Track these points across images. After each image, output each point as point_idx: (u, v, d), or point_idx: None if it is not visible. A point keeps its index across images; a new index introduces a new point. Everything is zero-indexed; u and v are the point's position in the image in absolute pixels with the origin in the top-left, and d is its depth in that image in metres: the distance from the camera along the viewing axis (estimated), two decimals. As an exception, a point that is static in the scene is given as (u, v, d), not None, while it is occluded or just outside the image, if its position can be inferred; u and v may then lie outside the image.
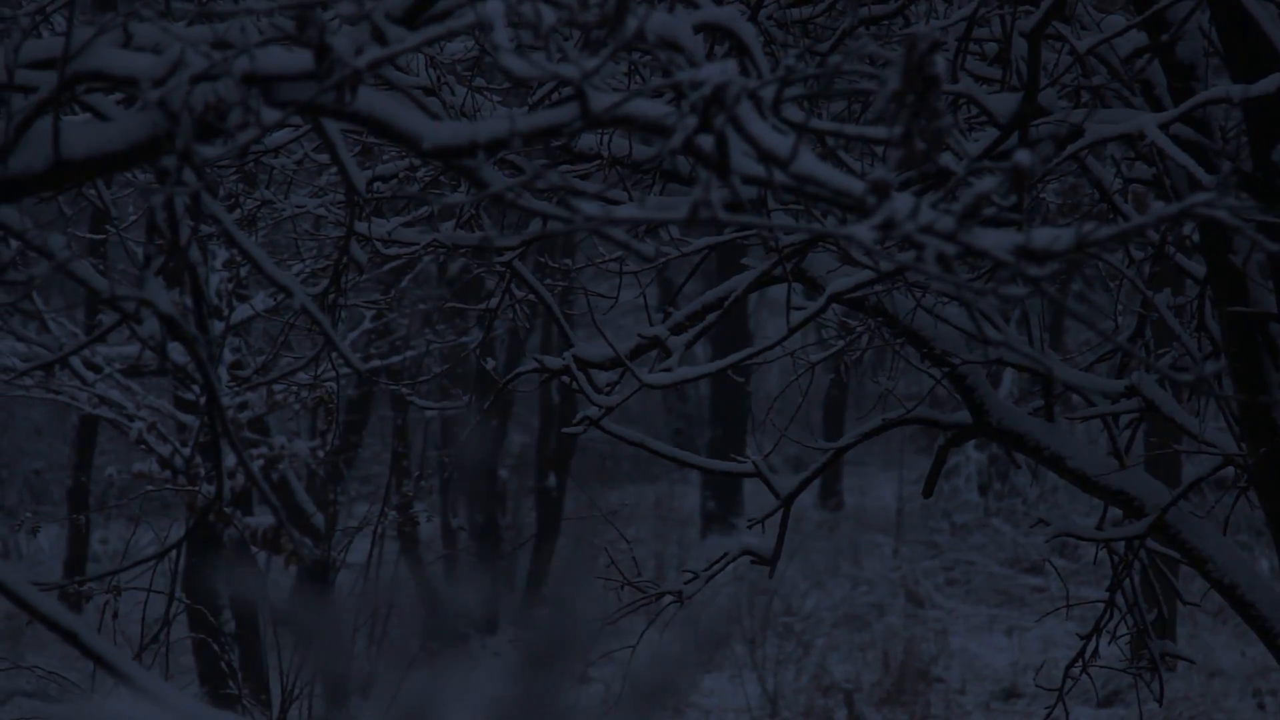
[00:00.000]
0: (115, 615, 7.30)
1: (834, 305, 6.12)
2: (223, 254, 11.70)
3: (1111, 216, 6.63)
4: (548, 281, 7.04)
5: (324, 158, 6.65)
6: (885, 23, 6.50)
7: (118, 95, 3.88)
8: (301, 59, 3.34)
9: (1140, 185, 6.10)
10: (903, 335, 5.98)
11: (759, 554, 6.41)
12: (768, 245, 5.93)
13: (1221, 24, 5.52)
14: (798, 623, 19.33)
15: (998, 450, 23.24)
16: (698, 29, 3.71)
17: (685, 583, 6.37)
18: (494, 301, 6.78)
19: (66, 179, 3.51)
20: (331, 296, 4.66)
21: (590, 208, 2.91)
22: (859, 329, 7.04)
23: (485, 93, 6.42)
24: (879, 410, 6.79)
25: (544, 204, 3.30)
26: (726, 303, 5.49)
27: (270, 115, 3.14)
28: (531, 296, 6.62)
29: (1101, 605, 6.94)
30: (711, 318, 5.76)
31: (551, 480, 20.66)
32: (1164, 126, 5.23)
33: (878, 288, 5.37)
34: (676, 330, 6.16)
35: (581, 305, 17.04)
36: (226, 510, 11.77)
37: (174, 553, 11.34)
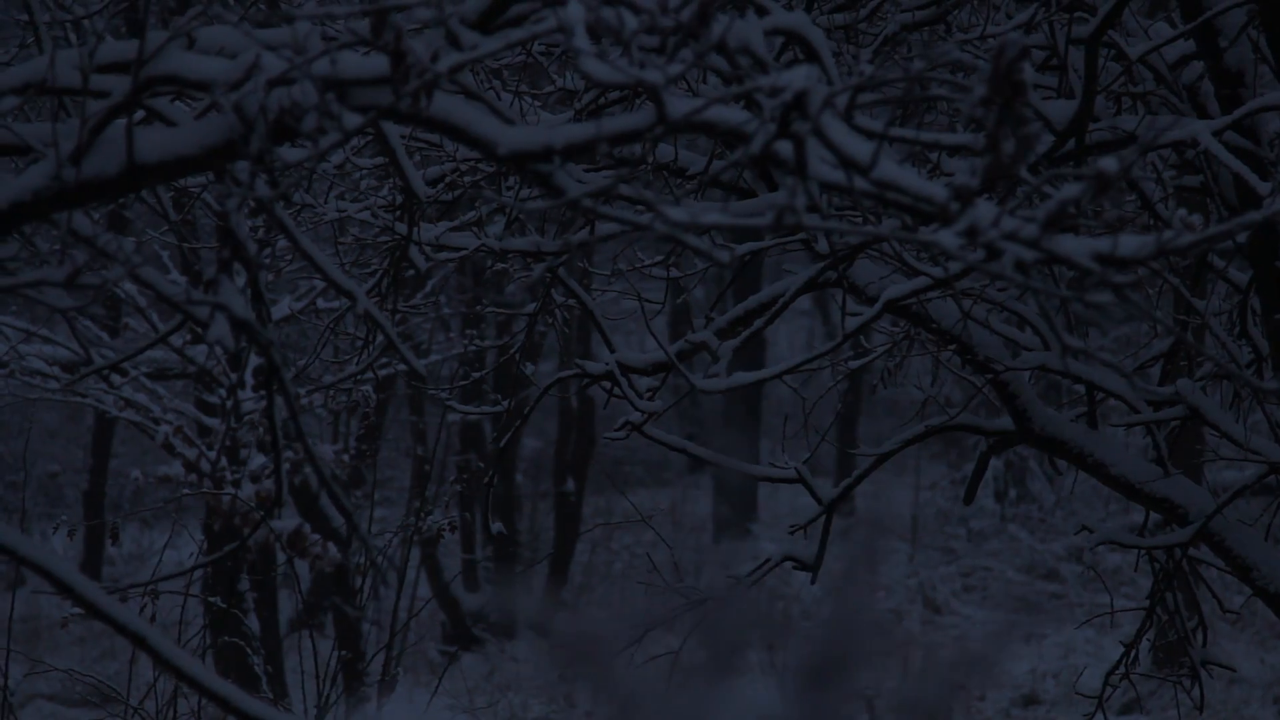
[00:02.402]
0: (153, 619, 7.31)
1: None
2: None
3: (1152, 224, 6.62)
4: (594, 290, 7.04)
5: (367, 162, 6.65)
6: (928, 28, 6.50)
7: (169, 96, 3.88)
8: (377, 63, 3.33)
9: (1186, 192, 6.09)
10: (951, 342, 5.97)
11: (800, 559, 6.40)
12: (815, 251, 5.92)
13: (1271, 31, 5.52)
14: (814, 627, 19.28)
15: (1014, 457, 23.22)
16: (768, 34, 3.71)
17: (728, 589, 6.36)
18: (533, 306, 6.78)
19: (139, 183, 3.51)
20: (392, 301, 4.66)
21: (677, 213, 2.90)
22: (899, 335, 7.03)
23: (527, 98, 6.42)
24: (921, 416, 6.79)
25: (618, 210, 3.30)
26: (776, 307, 5.48)
27: (352, 120, 3.13)
28: (572, 301, 6.62)
29: (1141, 612, 6.93)
30: (759, 323, 5.75)
31: (570, 485, 20.66)
32: (1216, 134, 5.23)
33: (932, 294, 5.37)
34: (718, 335, 6.15)
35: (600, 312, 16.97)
36: (257, 513, 11.78)
37: (202, 558, 11.34)
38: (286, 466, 12.91)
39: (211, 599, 8.23)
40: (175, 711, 7.19)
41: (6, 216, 3.45)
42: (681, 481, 29.94)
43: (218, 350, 11.69)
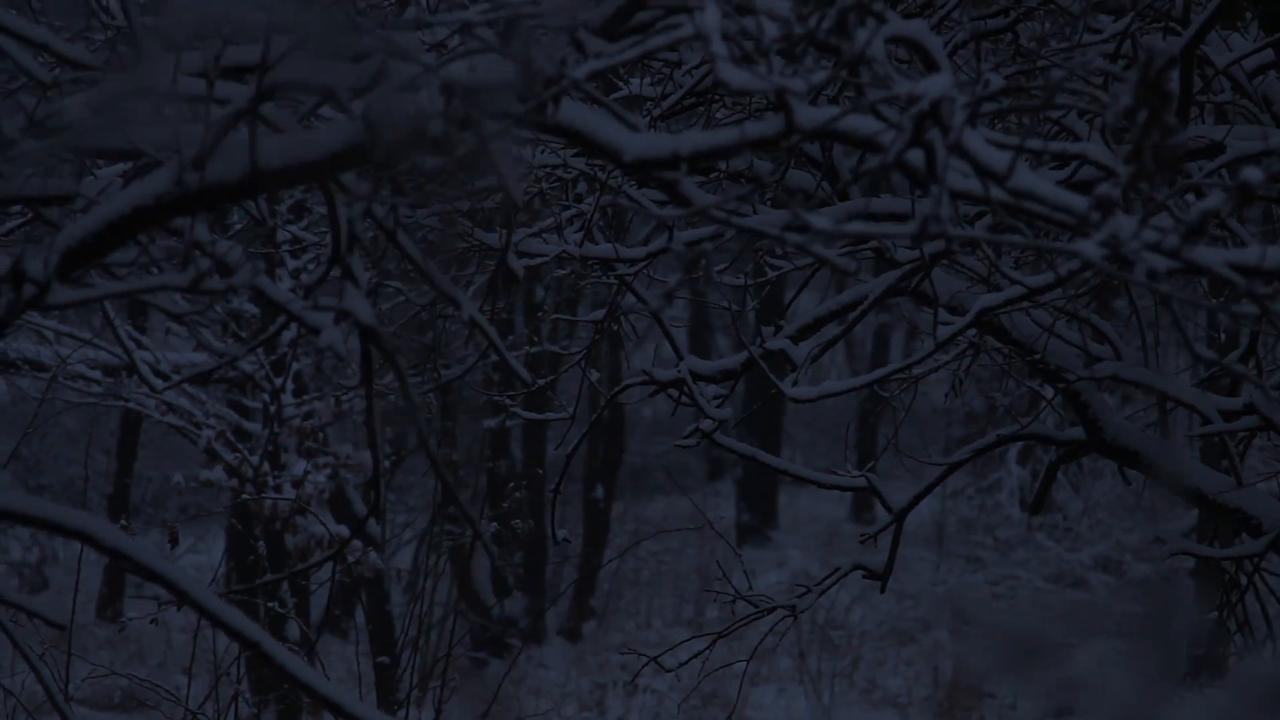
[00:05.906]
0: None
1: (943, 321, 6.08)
2: (292, 262, 11.69)
3: (1220, 233, 6.62)
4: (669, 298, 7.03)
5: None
6: (998, 37, 6.49)
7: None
8: (504, 70, 3.33)
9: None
10: (1028, 353, 5.95)
11: (870, 569, 6.39)
12: (886, 259, 5.91)
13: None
14: (843, 637, 19.30)
15: (1039, 466, 23.19)
16: (888, 43, 3.70)
17: (798, 596, 6.36)
18: (601, 313, 6.79)
19: (261, 188, 3.50)
20: (493, 308, 4.65)
21: (820, 220, 2.90)
22: (965, 344, 7.01)
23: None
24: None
25: (736, 217, 3.29)
26: (855, 314, 5.47)
27: (492, 126, 3.13)
28: (643, 308, 6.62)
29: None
30: (834, 330, 5.74)
31: (599, 491, 20.67)
32: (1304, 143, 5.23)
33: (1024, 304, 5.36)
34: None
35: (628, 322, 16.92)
36: (296, 516, 11.79)
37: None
38: (329, 472, 12.92)
39: (270, 604, 8.23)
40: (238, 714, 7.19)
41: (129, 220, 3.45)
42: (702, 488, 29.93)
43: (260, 355, 11.69)
